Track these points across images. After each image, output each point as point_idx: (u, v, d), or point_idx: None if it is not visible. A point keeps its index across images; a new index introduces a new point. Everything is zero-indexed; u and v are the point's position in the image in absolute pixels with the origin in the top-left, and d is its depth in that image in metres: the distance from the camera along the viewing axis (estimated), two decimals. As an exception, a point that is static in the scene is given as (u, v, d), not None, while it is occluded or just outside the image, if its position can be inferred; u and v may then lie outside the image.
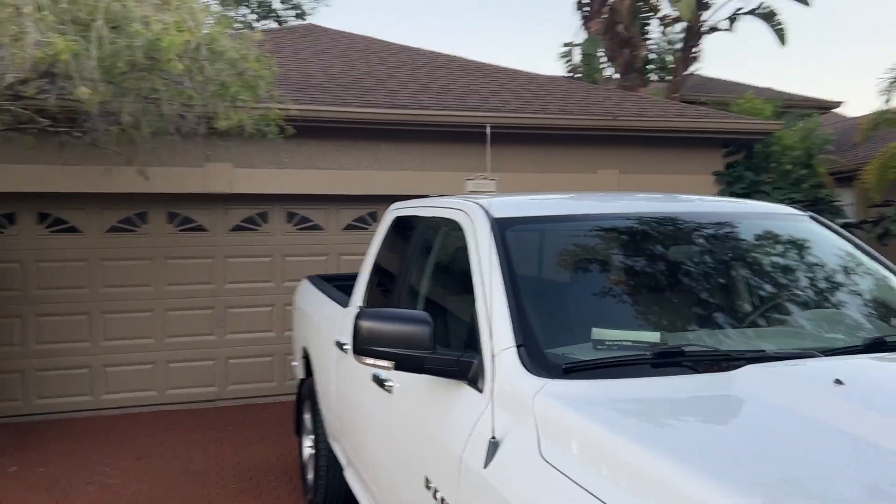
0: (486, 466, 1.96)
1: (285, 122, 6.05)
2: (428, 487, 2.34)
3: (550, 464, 1.76)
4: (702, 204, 3.21)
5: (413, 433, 2.62)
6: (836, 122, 16.17)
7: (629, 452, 1.64)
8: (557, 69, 15.48)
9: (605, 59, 14.09)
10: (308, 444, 5.04)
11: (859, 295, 2.80)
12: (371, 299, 3.72)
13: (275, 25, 21.15)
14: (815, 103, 16.45)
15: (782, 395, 1.83)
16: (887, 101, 10.33)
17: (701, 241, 2.81)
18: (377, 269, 3.80)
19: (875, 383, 1.97)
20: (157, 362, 7.75)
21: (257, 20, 21.28)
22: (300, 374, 5.31)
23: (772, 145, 9.72)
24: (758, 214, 3.04)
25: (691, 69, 13.76)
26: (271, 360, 8.06)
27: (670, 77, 13.83)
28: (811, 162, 9.51)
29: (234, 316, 8.01)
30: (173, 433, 6.75)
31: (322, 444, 4.53)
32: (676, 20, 13.29)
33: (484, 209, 2.70)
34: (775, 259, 2.85)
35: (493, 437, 1.99)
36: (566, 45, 14.51)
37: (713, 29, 13.71)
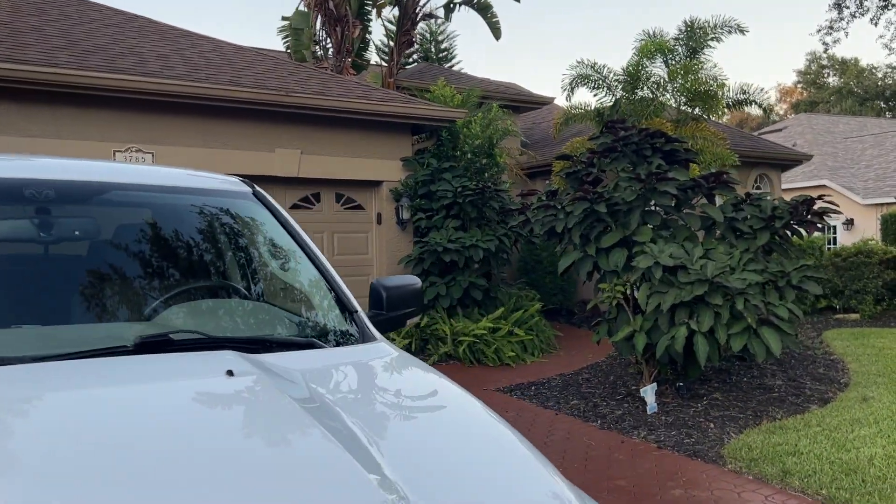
0: None
1: None
2: None
3: None
4: (100, 169, 2.50)
5: None
6: (551, 118, 17.10)
7: None
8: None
9: (322, 36, 13.56)
10: None
11: (254, 285, 2.36)
12: None
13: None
14: (532, 98, 17.25)
15: None
16: (569, 97, 10.91)
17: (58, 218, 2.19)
18: None
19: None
20: None
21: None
22: None
23: (459, 134, 9.80)
24: (182, 189, 2.43)
25: (408, 55, 13.69)
26: None
27: (389, 61, 13.65)
28: (492, 151, 9.70)
29: None
30: None
31: None
32: (390, 3, 13.10)
33: None
34: (172, 242, 2.31)
35: None
36: (284, 19, 13.76)
37: (430, 16, 13.74)
